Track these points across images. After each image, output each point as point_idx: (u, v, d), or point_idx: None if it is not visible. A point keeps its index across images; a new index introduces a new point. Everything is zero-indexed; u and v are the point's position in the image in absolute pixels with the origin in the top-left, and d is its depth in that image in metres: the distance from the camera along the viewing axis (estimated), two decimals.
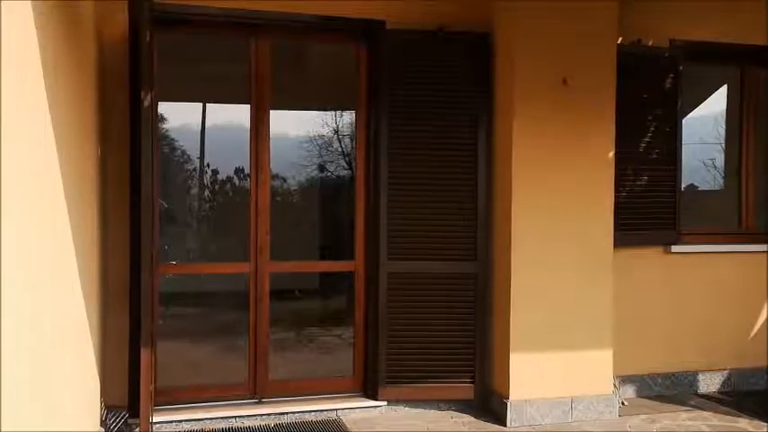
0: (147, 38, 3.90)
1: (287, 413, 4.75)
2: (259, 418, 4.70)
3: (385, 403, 4.93)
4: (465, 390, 4.98)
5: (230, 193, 8.38)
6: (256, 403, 4.82)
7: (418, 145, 4.90)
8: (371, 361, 4.97)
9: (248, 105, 4.89)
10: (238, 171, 8.37)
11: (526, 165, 4.77)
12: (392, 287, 4.90)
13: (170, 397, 4.69)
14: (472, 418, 4.88)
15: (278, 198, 9.10)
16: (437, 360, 4.94)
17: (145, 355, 3.84)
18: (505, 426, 4.73)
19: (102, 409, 4.21)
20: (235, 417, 4.66)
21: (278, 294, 7.58)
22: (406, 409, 4.98)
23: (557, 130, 4.83)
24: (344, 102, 5.70)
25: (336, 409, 4.85)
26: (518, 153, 4.76)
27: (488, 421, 4.83)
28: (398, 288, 4.91)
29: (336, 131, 10.31)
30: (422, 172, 4.91)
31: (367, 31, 4.95)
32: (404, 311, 4.92)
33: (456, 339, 4.96)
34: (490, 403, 4.98)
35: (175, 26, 4.71)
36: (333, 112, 9.99)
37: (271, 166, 5.00)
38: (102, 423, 4.21)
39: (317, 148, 10.65)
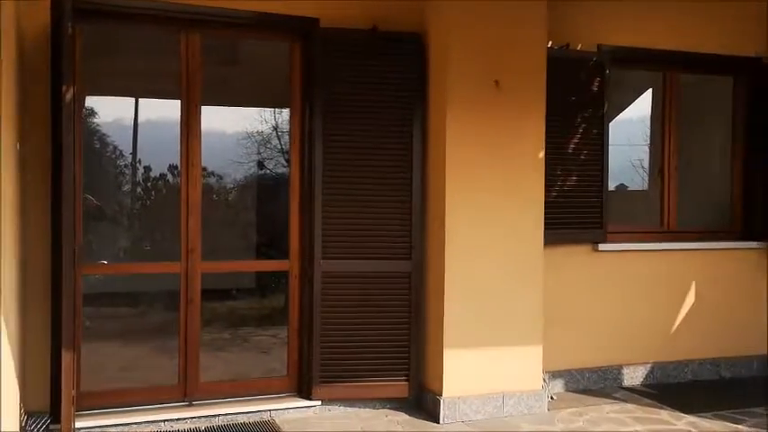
0: (69, 31, 3.77)
1: (218, 415, 4.68)
2: (189, 421, 4.61)
3: (319, 403, 4.92)
4: (400, 388, 5.01)
5: (163, 191, 8.20)
6: (186, 406, 4.73)
7: (353, 143, 4.90)
8: (306, 360, 4.94)
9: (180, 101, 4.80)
10: (172, 168, 8.20)
11: (459, 164, 4.83)
12: (327, 286, 4.88)
13: (96, 401, 4.55)
14: (406, 416, 4.91)
15: (214, 196, 8.95)
16: (372, 359, 4.96)
17: (66, 357, 3.72)
18: (439, 423, 4.78)
19: (21, 414, 4.05)
20: (164, 420, 4.56)
21: (214, 294, 7.49)
22: (341, 408, 4.97)
23: (489, 130, 4.90)
24: (280, 99, 5.66)
25: (269, 410, 4.81)
26: (451, 153, 4.82)
27: (422, 419, 4.88)
28: (333, 287, 4.89)
29: (276, 128, 10.20)
30: (357, 170, 4.90)
31: (301, 28, 4.92)
32: (339, 310, 4.91)
33: (391, 338, 4.98)
34: (424, 401, 5.03)
35: (103, 19, 4.58)
36: (272, 109, 9.88)
37: (205, 164, 4.91)
38: (22, 429, 4.06)
39: (256, 145, 10.51)
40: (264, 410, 4.79)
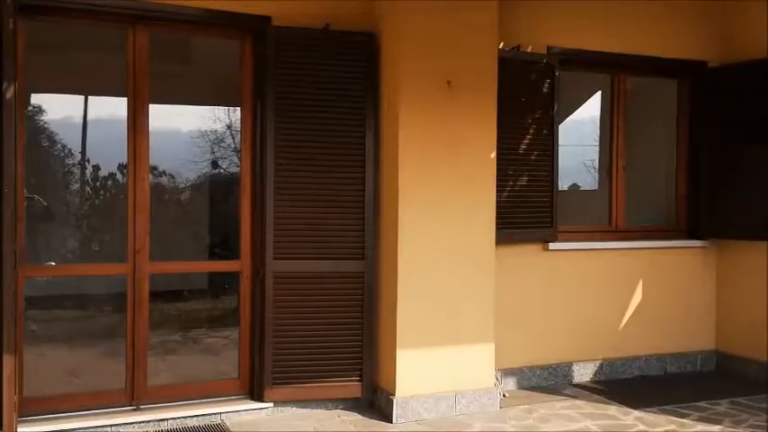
0: (11, 26, 3.65)
1: (167, 419, 4.59)
2: (137, 425, 4.52)
3: (271, 405, 4.87)
4: (353, 388, 5.00)
5: (113, 190, 8.03)
6: (133, 410, 4.63)
7: (306, 143, 4.87)
8: (257, 362, 4.89)
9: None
10: (122, 167, 8.03)
11: (412, 164, 4.84)
12: (279, 287, 4.84)
13: (40, 406, 4.42)
14: (359, 416, 4.90)
15: (166, 196, 8.80)
16: (325, 359, 4.93)
17: (8, 362, 3.61)
18: (392, 422, 4.78)
19: None
20: (110, 425, 4.45)
21: (165, 295, 7.36)
22: (294, 409, 4.94)
23: (442, 130, 4.92)
24: (232, 97, 5.59)
25: (220, 413, 4.74)
26: (404, 152, 4.83)
27: (375, 418, 4.87)
28: (285, 288, 4.86)
29: (230, 127, 10.07)
30: (310, 170, 4.87)
31: (252, 26, 4.87)
32: (291, 311, 4.87)
33: (344, 338, 4.97)
34: (378, 400, 5.03)
35: (47, 15, 4.47)
36: (226, 108, 9.76)
37: (157, 163, 4.83)
38: None
39: (210, 143, 10.37)
40: (215, 413, 4.72)
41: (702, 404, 5.24)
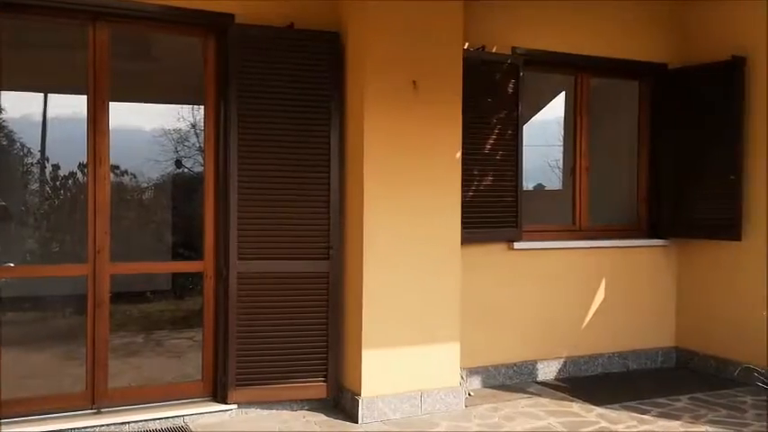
0: None
1: (129, 422, 4.52)
2: (97, 428, 4.43)
3: (235, 406, 4.82)
4: (318, 389, 4.97)
5: (73, 190, 7.87)
6: (94, 413, 4.54)
7: (270, 142, 4.82)
8: (221, 364, 4.84)
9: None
10: (82, 166, 7.88)
11: (378, 164, 4.83)
12: (243, 287, 4.79)
13: None
14: (325, 417, 4.88)
15: (128, 195, 8.66)
16: (290, 360, 4.90)
17: None
18: (357, 422, 4.77)
19: None
20: (70, 429, 4.36)
21: (127, 296, 7.25)
22: (258, 411, 4.90)
23: (407, 130, 4.93)
24: (196, 96, 5.53)
25: (183, 416, 4.68)
26: (369, 152, 4.82)
27: (341, 419, 4.86)
28: (250, 288, 4.81)
29: (194, 126, 9.95)
30: (274, 170, 4.83)
31: (215, 23, 4.81)
32: (255, 312, 4.83)
33: (309, 338, 4.94)
34: (343, 401, 5.01)
35: (6, 11, 4.36)
36: (190, 106, 9.63)
37: (119, 162, 4.76)
38: None
39: (173, 142, 10.22)
40: (178, 416, 4.66)
41: (662, 400, 5.34)
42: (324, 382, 4.97)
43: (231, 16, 4.77)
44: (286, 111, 4.84)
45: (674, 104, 6.25)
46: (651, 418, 4.92)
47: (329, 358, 4.97)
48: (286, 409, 4.96)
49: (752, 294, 5.63)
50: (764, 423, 4.78)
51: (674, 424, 4.81)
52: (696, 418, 4.92)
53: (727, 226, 5.81)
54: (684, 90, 6.18)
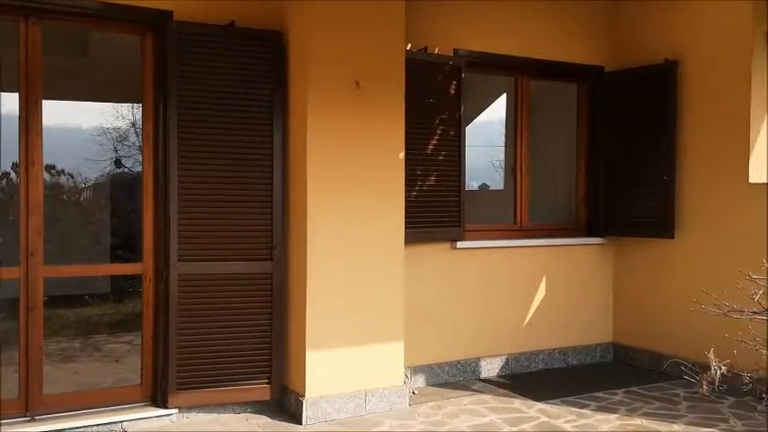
0: None
1: (64, 429, 4.38)
2: None
3: (176, 411, 4.74)
4: (262, 391, 4.92)
5: (5, 191, 7.60)
6: (28, 421, 4.39)
7: (212, 141, 4.75)
8: (161, 367, 4.75)
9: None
10: (15, 166, 7.62)
11: (321, 164, 4.82)
12: (184, 289, 4.71)
13: None
14: (268, 419, 4.84)
15: (64, 196, 8.41)
16: (233, 362, 4.84)
17: None
18: (301, 424, 4.74)
19: None
20: None
21: (64, 300, 7.03)
22: (200, 415, 4.82)
23: (351, 130, 4.93)
24: (134, 94, 5.41)
25: (121, 421, 4.57)
26: (312, 152, 4.80)
27: (285, 420, 4.83)
28: (191, 290, 4.73)
29: (134, 124, 9.72)
30: (216, 169, 4.76)
31: (153, 21, 4.72)
32: (197, 314, 4.75)
33: (252, 340, 4.89)
34: (287, 402, 4.98)
35: None
36: (130, 105, 9.42)
37: (55, 161, 4.60)
38: None
39: (113, 141, 9.97)
40: (115, 422, 4.55)
41: (600, 394, 5.48)
42: (267, 383, 4.93)
43: (169, 13, 4.68)
44: (228, 110, 4.77)
45: (611, 106, 6.43)
46: (589, 412, 5.05)
47: (273, 360, 4.93)
48: (229, 413, 4.90)
49: (683, 290, 5.83)
50: (696, 415, 4.96)
51: (611, 417, 4.94)
52: (632, 411, 5.07)
53: (661, 224, 6.01)
54: (620, 92, 6.37)
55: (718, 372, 2.31)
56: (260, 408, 4.98)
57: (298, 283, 4.91)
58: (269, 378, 4.92)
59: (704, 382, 2.33)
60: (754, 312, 2.32)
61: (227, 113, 4.77)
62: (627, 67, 6.38)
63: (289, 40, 4.98)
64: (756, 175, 5.57)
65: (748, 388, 2.38)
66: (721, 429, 4.66)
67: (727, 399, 5.16)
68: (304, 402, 4.76)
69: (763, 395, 2.26)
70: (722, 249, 5.61)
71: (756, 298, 2.31)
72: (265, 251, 4.90)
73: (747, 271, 2.39)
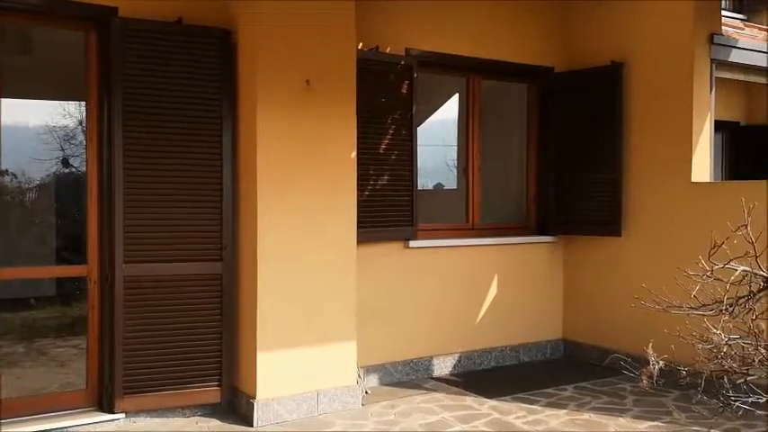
0: None
1: None
2: None
3: (123, 415, 4.64)
4: (212, 393, 4.86)
5: None
6: None
7: (159, 140, 4.66)
8: (107, 371, 4.64)
9: None
10: None
11: (271, 164, 4.77)
12: (130, 292, 4.61)
13: None
14: (218, 422, 4.78)
15: (8, 197, 8.16)
16: (182, 365, 4.76)
17: None
18: (252, 426, 4.69)
19: None
20: None
21: (8, 303, 6.81)
22: (148, 419, 4.73)
23: (301, 130, 4.90)
24: (78, 92, 5.28)
25: (66, 427, 4.46)
26: (262, 152, 4.75)
27: (235, 423, 4.77)
28: (138, 292, 4.64)
29: (81, 122, 9.48)
30: (164, 169, 4.68)
31: (97, 17, 4.61)
32: (144, 317, 4.66)
33: (202, 343, 4.82)
34: (238, 405, 4.92)
35: None
36: (77, 103, 9.18)
37: None
38: None
39: (59, 140, 9.71)
40: (60, 428, 4.43)
41: (550, 390, 5.56)
42: (218, 386, 4.86)
43: (114, 10, 4.57)
44: (176, 109, 4.70)
45: (560, 107, 6.54)
46: (540, 408, 5.12)
47: (223, 362, 4.87)
48: (178, 416, 4.82)
49: (629, 287, 5.96)
50: (642, 408, 5.08)
51: (561, 412, 5.02)
52: (581, 406, 5.16)
53: (609, 223, 6.13)
54: (569, 93, 6.47)
55: (657, 366, 2.36)
56: (210, 411, 4.91)
57: (248, 284, 4.85)
58: (219, 380, 4.86)
59: (644, 377, 2.38)
60: (691, 308, 2.37)
61: (174, 112, 4.69)
62: (576, 68, 6.49)
63: (238, 38, 4.92)
64: (698, 174, 5.73)
65: (685, 381, 2.44)
66: (665, 422, 4.78)
67: (672, 392, 5.29)
68: (255, 404, 4.71)
69: (699, 388, 2.31)
70: (666, 246, 5.75)
71: (693, 293, 2.36)
72: (215, 252, 4.83)
73: (690, 267, 2.45)
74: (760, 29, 8.94)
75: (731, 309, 2.32)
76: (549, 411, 5.05)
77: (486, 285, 6.34)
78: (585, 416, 4.95)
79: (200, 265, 4.80)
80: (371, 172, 5.53)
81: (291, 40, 4.83)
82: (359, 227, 5.18)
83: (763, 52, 6.51)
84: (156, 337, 4.69)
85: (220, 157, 4.84)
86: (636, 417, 4.91)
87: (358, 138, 5.15)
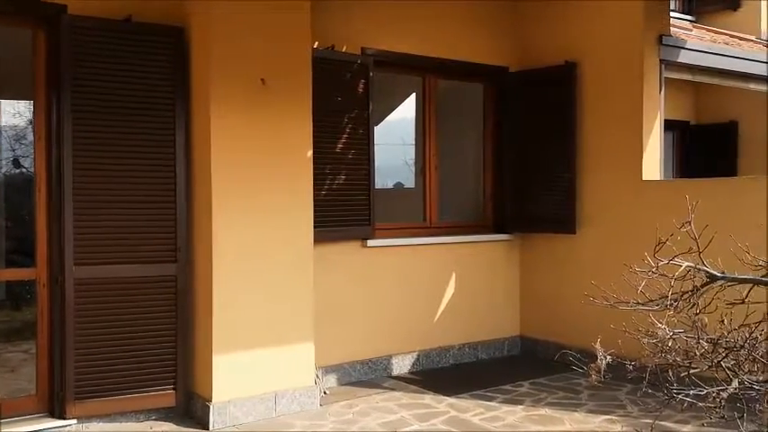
0: None
1: None
2: None
3: (74, 421, 4.54)
4: (167, 397, 4.79)
5: None
6: None
7: (110, 140, 4.58)
8: (59, 377, 4.53)
9: None
10: None
11: (226, 164, 4.72)
12: (81, 295, 4.51)
13: None
14: (174, 426, 4.71)
15: None
16: (136, 369, 4.68)
17: None
18: (208, 429, 4.64)
19: None
20: None
21: None
22: (100, 425, 4.63)
23: (256, 129, 4.85)
24: (25, 91, 5.15)
25: None
26: (217, 152, 4.69)
27: (191, 427, 4.71)
28: (90, 295, 4.54)
29: (32, 122, 9.24)
30: (115, 170, 4.59)
31: (45, 14, 4.49)
32: (96, 320, 4.57)
33: (156, 346, 4.74)
34: (194, 408, 4.86)
35: None
36: (28, 101, 8.95)
37: None
38: None
39: (9, 140, 9.47)
40: None
41: (507, 387, 5.63)
42: (173, 389, 4.79)
43: (63, 7, 4.46)
44: (127, 108, 4.61)
45: (515, 106, 6.61)
46: (497, 405, 5.18)
47: (178, 365, 4.80)
48: (132, 421, 4.74)
49: (583, 283, 6.03)
50: (597, 402, 5.17)
51: (518, 408, 5.08)
52: (537, 402, 5.23)
53: (563, 221, 6.23)
54: (524, 93, 6.55)
55: (604, 361, 2.41)
56: (165, 414, 4.83)
57: (203, 285, 4.79)
58: (174, 383, 4.79)
59: (593, 372, 2.43)
60: (638, 303, 2.42)
61: (126, 112, 4.61)
62: (530, 67, 6.57)
63: (191, 36, 4.86)
64: (649, 172, 5.86)
65: (633, 375, 2.49)
66: (618, 415, 4.88)
67: (626, 386, 5.40)
68: (211, 407, 4.66)
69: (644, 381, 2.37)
70: (618, 243, 5.85)
71: (639, 289, 2.41)
72: (169, 253, 4.76)
73: (638, 263, 2.50)
74: (708, 30, 9.19)
75: (676, 303, 2.38)
76: (506, 408, 5.11)
77: (444, 284, 6.38)
78: (542, 411, 5.02)
79: (154, 267, 4.73)
80: (328, 171, 5.51)
81: (246, 39, 4.78)
82: (316, 226, 5.16)
83: (711, 53, 6.67)
84: (109, 341, 4.60)
85: (174, 156, 4.77)
86: (590, 411, 5.00)
87: (314, 137, 5.12)
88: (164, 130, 4.75)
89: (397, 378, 5.94)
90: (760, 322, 2.26)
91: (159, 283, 4.75)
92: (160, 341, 4.75)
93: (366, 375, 5.86)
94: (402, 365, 6.08)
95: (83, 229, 4.51)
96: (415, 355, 6.16)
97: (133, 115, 4.63)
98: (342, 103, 5.58)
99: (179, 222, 4.79)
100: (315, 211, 5.15)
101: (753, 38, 9.93)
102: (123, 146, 4.61)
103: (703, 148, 9.39)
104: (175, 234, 4.78)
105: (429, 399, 5.35)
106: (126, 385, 4.65)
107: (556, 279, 6.47)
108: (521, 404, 5.19)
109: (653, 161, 5.88)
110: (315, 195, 5.16)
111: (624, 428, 4.55)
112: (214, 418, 4.66)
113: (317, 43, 5.36)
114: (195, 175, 4.86)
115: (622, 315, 2.58)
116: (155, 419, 4.79)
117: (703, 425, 4.33)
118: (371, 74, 5.72)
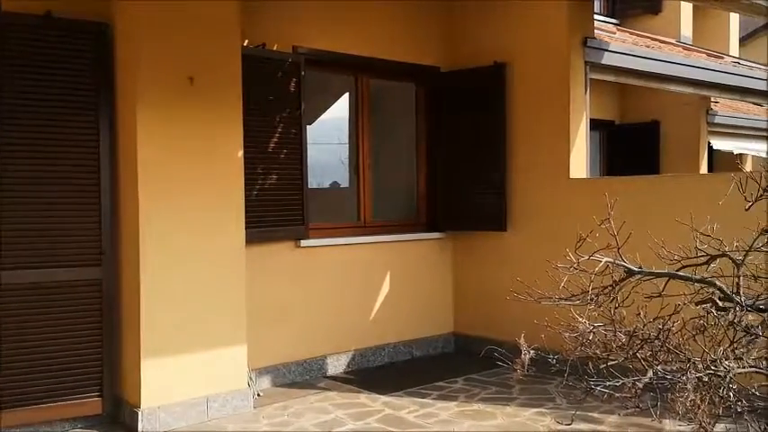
0: None
1: None
2: None
3: None
4: (93, 405, 4.65)
5: None
6: None
7: (31, 141, 4.42)
8: None
9: None
10: None
11: (153, 164, 4.61)
12: (3, 300, 4.33)
13: None
14: None
15: None
16: (60, 377, 4.53)
17: None
18: None
19: None
20: None
21: None
22: None
23: (185, 128, 4.75)
24: None
25: None
26: (143, 153, 4.57)
27: None
28: (9, 301, 4.37)
29: None
30: (34, 171, 4.43)
31: None
32: (18, 328, 4.40)
33: (81, 352, 4.60)
34: (122, 415, 4.73)
35: None
36: None
37: None
38: None
39: None
40: None
41: (442, 383, 5.69)
42: (99, 396, 4.66)
43: None
44: (49, 108, 4.47)
45: (447, 106, 6.69)
46: (431, 401, 5.23)
47: (104, 371, 4.67)
48: (57, 430, 4.57)
49: (512, 280, 6.15)
50: (528, 396, 5.29)
51: (452, 405, 5.15)
52: (470, 398, 5.32)
53: (494, 219, 6.34)
54: (455, 93, 6.64)
55: (528, 355, 2.47)
56: (92, 423, 4.70)
57: (131, 290, 4.67)
58: (100, 390, 4.66)
59: (518, 366, 2.48)
60: (561, 298, 2.49)
61: (47, 111, 4.46)
62: (461, 67, 6.66)
63: (115, 33, 4.72)
64: (576, 170, 6.03)
65: (556, 369, 2.56)
66: (548, 408, 5.00)
67: (556, 379, 5.53)
68: (139, 413, 4.55)
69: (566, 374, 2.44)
70: (545, 240, 5.98)
71: (562, 285, 2.48)
72: (93, 256, 4.63)
73: (564, 259, 2.57)
74: (631, 33, 9.53)
75: (596, 298, 2.46)
76: (440, 404, 5.16)
77: (379, 283, 6.40)
78: (475, 406, 5.10)
79: (78, 271, 4.59)
80: (260, 171, 5.45)
81: (172, 36, 4.67)
82: (248, 227, 5.09)
83: (633, 55, 6.91)
84: (31, 348, 4.44)
85: (98, 157, 4.63)
86: (522, 405, 5.11)
87: (245, 136, 5.06)
88: (87, 129, 4.61)
89: (333, 378, 5.93)
90: (671, 314, 2.36)
91: (83, 288, 4.61)
92: (85, 347, 4.61)
93: (301, 376, 5.82)
94: (337, 365, 6.07)
95: (2, 233, 4.32)
96: (350, 354, 6.16)
97: (54, 114, 4.49)
98: (273, 102, 5.53)
99: (103, 225, 4.65)
100: (247, 212, 5.08)
101: (673, 41, 10.37)
102: (45, 146, 4.46)
103: (628, 147, 9.73)
104: (100, 237, 4.64)
105: (364, 398, 5.36)
106: (50, 393, 4.50)
107: (487, 276, 6.58)
108: (455, 400, 5.26)
109: (580, 160, 6.05)
110: (247, 196, 5.10)
111: (550, 420, 4.67)
112: (143, 425, 4.55)
113: (247, 41, 5.29)
114: (121, 176, 4.73)
115: (547, 310, 2.65)
116: (81, 428, 4.65)
117: (619, 414, 4.48)
118: (303, 73, 5.68)
